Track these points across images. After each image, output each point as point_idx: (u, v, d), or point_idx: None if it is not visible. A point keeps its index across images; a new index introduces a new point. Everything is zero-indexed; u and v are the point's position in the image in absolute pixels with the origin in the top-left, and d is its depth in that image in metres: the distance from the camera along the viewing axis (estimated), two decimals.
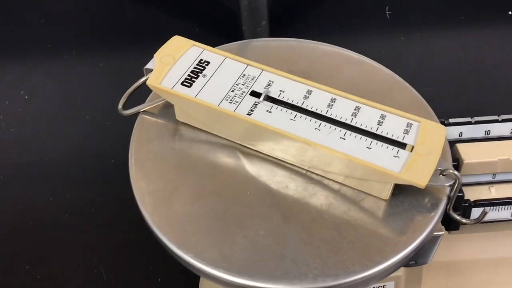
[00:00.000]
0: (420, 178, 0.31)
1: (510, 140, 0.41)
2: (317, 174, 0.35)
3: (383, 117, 0.34)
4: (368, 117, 0.34)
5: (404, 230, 0.32)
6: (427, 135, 0.33)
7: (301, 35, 0.44)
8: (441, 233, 0.37)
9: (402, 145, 0.33)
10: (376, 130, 0.34)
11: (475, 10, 0.81)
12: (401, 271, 0.45)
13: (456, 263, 0.52)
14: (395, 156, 0.32)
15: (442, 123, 0.42)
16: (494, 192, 0.42)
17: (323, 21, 0.81)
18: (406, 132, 0.34)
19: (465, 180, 0.42)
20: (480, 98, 0.69)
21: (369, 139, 0.33)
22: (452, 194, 0.34)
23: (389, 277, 0.45)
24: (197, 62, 0.37)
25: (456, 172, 0.32)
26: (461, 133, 0.43)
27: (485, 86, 0.70)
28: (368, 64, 0.42)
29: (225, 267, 0.30)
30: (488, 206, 0.40)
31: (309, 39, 0.44)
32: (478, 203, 0.40)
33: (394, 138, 0.33)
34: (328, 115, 0.34)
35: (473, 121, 0.43)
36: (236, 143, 0.36)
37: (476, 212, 0.40)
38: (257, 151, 0.36)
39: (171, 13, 0.80)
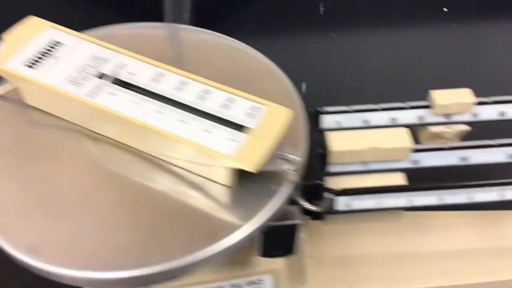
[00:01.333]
0: (251, 162, 0.30)
1: (382, 129, 0.41)
2: (162, 160, 0.34)
3: (231, 100, 0.33)
4: (215, 100, 0.33)
5: (242, 216, 0.31)
6: (271, 119, 0.32)
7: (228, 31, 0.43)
8: (297, 221, 0.36)
9: (242, 129, 0.32)
10: (220, 114, 0.33)
11: (410, 7, 0.81)
12: (279, 264, 0.44)
13: (345, 257, 0.51)
14: (233, 140, 0.31)
15: (316, 111, 0.42)
16: (367, 182, 0.41)
17: (256, 17, 0.80)
18: (251, 115, 0.33)
19: (337, 169, 0.41)
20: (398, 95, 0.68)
21: (211, 122, 0.32)
22: (298, 180, 0.33)
23: (265, 270, 0.44)
24: (49, 43, 0.36)
25: (296, 158, 0.31)
26: (338, 122, 0.42)
27: (405, 83, 0.70)
28: (246, 52, 0.41)
29: (41, 255, 0.29)
30: (353, 195, 0.39)
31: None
32: (343, 192, 0.39)
33: (237, 121, 0.32)
34: (174, 98, 0.33)
35: (350, 110, 0.42)
36: (83, 127, 0.35)
37: (342, 201, 0.39)
38: (103, 135, 0.34)
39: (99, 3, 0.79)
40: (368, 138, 0.40)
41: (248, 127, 0.32)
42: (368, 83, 0.71)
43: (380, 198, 0.39)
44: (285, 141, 0.32)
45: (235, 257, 0.44)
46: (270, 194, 0.32)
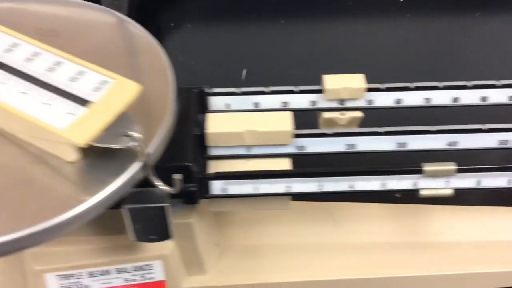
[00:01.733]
0: (81, 136, 0.29)
1: (267, 112, 0.39)
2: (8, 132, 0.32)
3: (81, 73, 0.32)
4: (64, 73, 0.32)
5: (85, 192, 0.30)
6: (116, 93, 0.31)
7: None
8: (163, 204, 0.35)
9: (86, 103, 0.31)
10: (66, 86, 0.31)
11: None
12: (169, 250, 0.43)
13: (252, 246, 0.50)
14: (71, 114, 0.30)
15: (202, 92, 0.40)
16: (253, 167, 0.40)
17: (207, 2, 0.79)
18: (97, 89, 0.31)
19: (220, 152, 0.39)
20: None
21: (54, 95, 0.31)
22: (148, 159, 0.31)
23: (153, 256, 0.43)
24: None
25: (138, 135, 0.30)
26: (228, 104, 0.41)
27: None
28: (129, 28, 0.40)
29: None
30: (228, 179, 0.38)
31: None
32: (217, 176, 0.37)
33: (80, 95, 0.31)
34: (22, 69, 0.32)
35: (238, 92, 0.41)
36: None
37: (217, 186, 0.38)
38: None
39: None
40: (248, 121, 0.38)
41: (90, 101, 0.30)
42: (315, 71, 0.70)
43: (257, 183, 0.38)
44: (134, 117, 0.31)
45: (122, 241, 0.42)
46: (117, 172, 0.31)
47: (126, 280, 0.44)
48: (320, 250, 0.50)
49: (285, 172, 0.38)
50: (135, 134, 0.30)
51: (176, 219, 0.42)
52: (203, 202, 0.42)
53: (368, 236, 0.52)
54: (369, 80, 0.41)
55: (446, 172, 0.38)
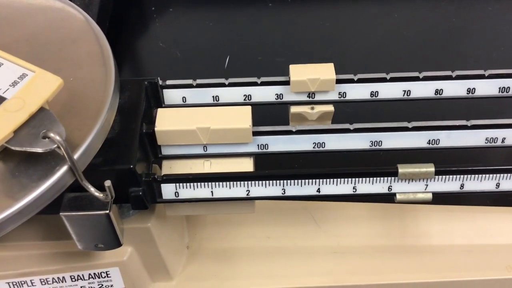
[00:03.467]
0: None
1: (225, 107, 0.35)
2: None
3: None
4: None
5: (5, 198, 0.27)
6: (34, 89, 0.27)
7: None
8: (103, 212, 0.31)
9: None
10: None
11: None
12: (125, 256, 0.40)
13: (226, 250, 0.47)
14: None
15: (155, 84, 0.36)
16: (209, 167, 0.36)
17: None
18: (15, 84, 0.28)
19: (174, 151, 0.35)
20: None
21: None
22: (74, 163, 0.28)
23: (111, 263, 0.40)
24: None
25: (57, 137, 0.26)
26: (184, 98, 0.37)
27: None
28: (73, 14, 0.36)
29: None
30: (180, 182, 0.34)
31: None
32: (167, 179, 0.34)
33: None
34: None
35: (194, 84, 0.37)
36: None
37: (168, 189, 0.34)
38: None
39: None
40: (202, 117, 0.34)
41: (5, 98, 0.27)
42: (302, 59, 0.66)
43: (213, 187, 0.34)
44: (65, 114, 0.28)
45: (76, 247, 0.39)
46: (40, 177, 0.28)
47: None
48: (298, 254, 0.47)
49: (243, 175, 0.34)
50: (56, 136, 0.26)
51: (132, 223, 0.39)
52: (160, 205, 0.39)
53: (350, 239, 0.48)
54: (355, 69, 0.37)
55: (424, 175, 0.34)
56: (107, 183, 0.28)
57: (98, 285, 0.41)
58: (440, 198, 0.42)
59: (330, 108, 0.37)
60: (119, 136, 0.33)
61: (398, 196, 0.34)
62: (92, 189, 0.29)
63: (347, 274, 0.45)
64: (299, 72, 0.36)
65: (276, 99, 0.37)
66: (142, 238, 0.40)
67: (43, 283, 0.41)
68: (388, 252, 0.47)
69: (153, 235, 0.39)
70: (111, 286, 0.41)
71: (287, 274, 0.45)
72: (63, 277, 0.40)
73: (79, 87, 0.32)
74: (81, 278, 0.40)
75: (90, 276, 0.40)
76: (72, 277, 0.40)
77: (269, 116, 0.38)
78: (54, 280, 0.40)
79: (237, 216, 0.49)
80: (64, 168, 0.28)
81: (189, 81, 0.37)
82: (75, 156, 0.28)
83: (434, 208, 0.49)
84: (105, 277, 0.41)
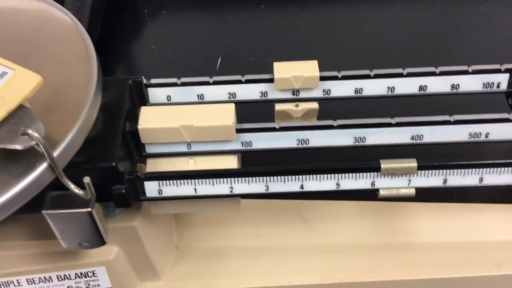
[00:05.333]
0: None
1: (209, 105, 0.35)
2: None
3: None
4: None
5: None
6: (13, 86, 0.27)
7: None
8: (85, 210, 0.31)
9: None
10: None
11: None
12: (111, 255, 0.40)
13: (214, 249, 0.47)
14: None
15: (138, 83, 0.36)
16: (193, 165, 0.36)
17: None
18: None
19: (158, 149, 0.35)
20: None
21: None
22: (53, 160, 0.28)
23: (97, 262, 0.40)
24: None
25: (35, 134, 0.26)
26: (169, 97, 0.37)
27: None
28: (53, 12, 0.36)
29: None
30: (162, 180, 0.34)
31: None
32: (150, 177, 0.34)
33: None
34: None
35: (178, 83, 0.37)
36: None
37: (151, 186, 0.34)
38: None
39: None
40: (186, 115, 0.34)
41: None
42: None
43: (196, 184, 0.34)
44: (46, 112, 0.28)
45: (62, 246, 0.39)
46: (19, 174, 0.28)
47: (70, 287, 0.41)
48: (287, 253, 0.47)
49: (226, 172, 0.34)
50: (34, 133, 0.26)
51: (118, 222, 0.39)
52: (146, 204, 0.39)
53: (340, 237, 0.48)
54: (344, 68, 0.37)
55: (406, 170, 0.34)
56: (86, 179, 0.28)
57: (85, 284, 0.41)
58: (427, 195, 0.42)
59: (315, 105, 0.37)
60: (101, 134, 0.33)
61: (381, 192, 0.34)
62: (72, 186, 0.29)
63: (336, 272, 0.45)
64: (283, 69, 0.36)
65: (260, 97, 0.38)
66: (128, 237, 0.39)
67: (30, 283, 0.41)
68: (378, 250, 0.46)
69: (139, 234, 0.39)
70: (98, 285, 0.41)
71: (275, 273, 0.45)
72: (50, 277, 0.40)
73: (61, 86, 0.32)
74: (67, 278, 0.40)
75: (77, 276, 0.40)
76: (59, 276, 0.40)
77: (255, 114, 0.38)
78: (40, 280, 0.40)
79: (227, 216, 0.49)
80: (44, 165, 0.28)
81: (174, 80, 0.37)
82: (55, 153, 0.28)
83: (423, 206, 0.49)
84: (91, 276, 0.41)
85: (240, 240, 0.48)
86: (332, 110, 0.37)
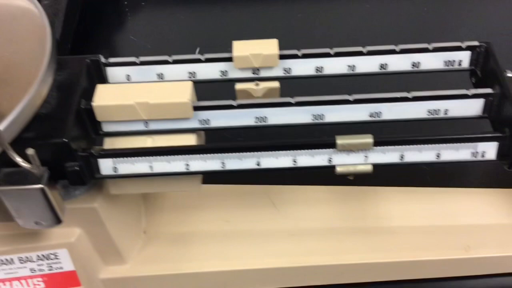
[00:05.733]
0: None
1: (167, 82, 0.35)
2: None
3: None
4: None
5: None
6: None
7: None
8: (38, 186, 0.31)
9: None
10: None
11: None
12: (73, 237, 0.39)
13: (183, 234, 0.46)
14: None
15: (96, 61, 0.36)
16: (151, 144, 0.36)
17: None
18: None
19: (116, 128, 0.35)
20: None
21: None
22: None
23: (58, 244, 0.40)
24: None
25: None
26: (128, 76, 0.37)
27: None
28: None
29: None
30: (117, 157, 0.34)
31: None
32: (104, 154, 0.33)
33: None
34: None
35: (138, 62, 0.37)
36: None
37: (106, 164, 0.34)
38: None
39: None
40: (142, 93, 0.34)
41: None
42: None
43: (151, 161, 0.34)
44: None
45: (23, 228, 0.39)
46: None
47: (32, 270, 0.41)
48: (255, 237, 0.46)
49: (181, 149, 0.34)
50: None
51: (78, 204, 0.38)
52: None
53: (309, 222, 0.47)
54: None
55: (362, 146, 0.33)
56: (30, 151, 0.28)
57: (48, 267, 0.41)
58: (398, 179, 0.42)
59: (276, 84, 0.37)
60: (54, 111, 0.33)
61: (338, 168, 0.34)
62: (18, 159, 0.29)
63: (303, 255, 0.45)
64: (242, 48, 0.36)
65: (221, 76, 0.37)
66: (90, 219, 0.39)
67: None
68: (347, 234, 0.46)
69: (101, 216, 0.39)
70: (61, 268, 0.41)
71: (243, 256, 0.45)
72: (11, 259, 0.40)
73: (14, 61, 0.32)
74: (29, 260, 0.40)
75: (39, 258, 0.40)
76: (20, 258, 0.40)
77: (216, 94, 0.38)
78: (2, 262, 0.40)
79: (196, 201, 0.49)
80: None
81: (133, 59, 0.37)
82: (1, 126, 0.28)
83: (394, 190, 0.49)
84: (53, 259, 0.40)
85: (209, 225, 0.47)
86: (293, 90, 0.37)
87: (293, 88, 0.38)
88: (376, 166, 0.34)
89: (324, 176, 0.51)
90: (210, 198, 0.49)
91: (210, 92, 0.38)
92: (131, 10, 0.71)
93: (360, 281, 0.46)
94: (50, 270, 0.41)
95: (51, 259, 0.40)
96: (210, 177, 0.38)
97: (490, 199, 0.48)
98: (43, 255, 0.40)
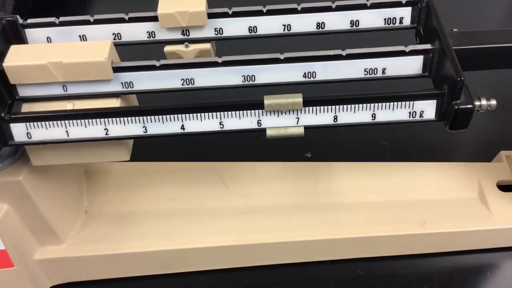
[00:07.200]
0: None
1: (85, 42, 0.33)
2: None
3: None
4: None
5: None
6: None
7: None
8: None
9: None
10: None
11: None
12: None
13: (126, 214, 0.44)
14: None
15: (13, 22, 0.34)
16: (71, 107, 0.33)
17: None
18: None
19: (32, 92, 0.33)
20: None
21: None
22: None
23: None
24: None
25: None
26: (49, 38, 0.35)
27: None
28: None
29: None
30: (29, 121, 0.31)
31: None
32: (14, 118, 0.31)
33: None
34: None
35: (57, 22, 0.34)
36: None
37: (19, 129, 0.32)
38: None
39: None
40: (56, 52, 0.32)
41: None
42: None
43: (67, 127, 0.32)
44: None
45: None
46: None
47: None
48: (203, 215, 0.44)
49: (100, 112, 0.31)
50: None
51: (2, 177, 0.36)
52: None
53: (260, 199, 0.45)
54: None
55: (292, 105, 0.31)
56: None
57: None
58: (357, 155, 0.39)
59: (207, 46, 0.35)
60: None
61: (268, 131, 0.32)
62: None
63: (252, 232, 0.43)
64: (167, 5, 0.34)
65: (148, 37, 0.35)
66: (16, 194, 0.37)
67: None
68: (299, 210, 0.44)
69: (28, 191, 0.37)
70: None
71: (188, 234, 0.43)
72: None
73: None
74: None
75: None
76: None
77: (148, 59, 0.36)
78: None
79: (142, 179, 0.46)
80: None
81: (52, 19, 0.34)
82: None
83: (349, 165, 0.47)
84: None
85: (154, 203, 0.45)
86: (227, 53, 0.35)
87: (227, 52, 0.35)
88: (308, 128, 0.32)
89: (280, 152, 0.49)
90: (157, 175, 0.47)
91: (140, 57, 0.36)
92: None
93: (310, 259, 0.44)
94: None
95: None
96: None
97: (448, 173, 0.46)
98: None
